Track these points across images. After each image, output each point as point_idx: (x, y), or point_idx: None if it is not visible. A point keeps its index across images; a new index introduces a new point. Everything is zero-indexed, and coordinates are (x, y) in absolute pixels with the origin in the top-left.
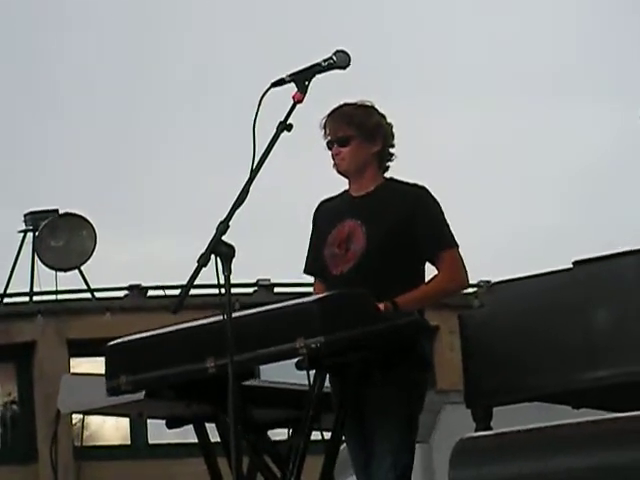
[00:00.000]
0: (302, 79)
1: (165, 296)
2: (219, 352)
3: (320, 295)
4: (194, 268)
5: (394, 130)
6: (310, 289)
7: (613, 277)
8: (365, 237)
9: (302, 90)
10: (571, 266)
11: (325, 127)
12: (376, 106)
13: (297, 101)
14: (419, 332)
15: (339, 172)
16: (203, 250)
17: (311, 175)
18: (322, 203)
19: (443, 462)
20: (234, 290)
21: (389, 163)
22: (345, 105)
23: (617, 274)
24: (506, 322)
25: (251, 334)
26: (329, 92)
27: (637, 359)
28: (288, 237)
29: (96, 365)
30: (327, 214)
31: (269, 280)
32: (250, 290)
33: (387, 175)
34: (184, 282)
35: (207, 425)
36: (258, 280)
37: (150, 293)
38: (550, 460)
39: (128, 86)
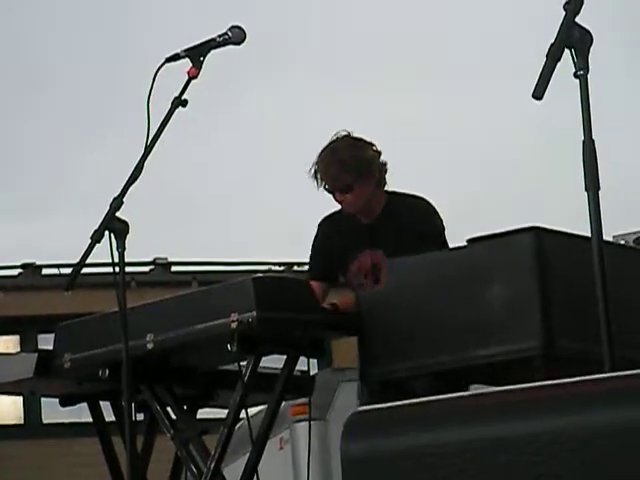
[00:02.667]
0: (197, 54)
1: (60, 275)
2: (159, 329)
3: (259, 275)
4: (88, 244)
5: (379, 148)
6: (207, 267)
7: (507, 255)
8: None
9: (197, 65)
10: (465, 244)
11: (317, 175)
12: (354, 134)
13: (192, 76)
14: (352, 330)
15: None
16: (97, 226)
17: (202, 152)
18: (325, 221)
19: (339, 439)
20: (130, 269)
21: (385, 175)
22: (332, 147)
23: (510, 252)
24: (402, 300)
25: (187, 311)
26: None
27: (527, 336)
28: (185, 216)
29: None
30: (340, 237)
31: (166, 259)
32: (147, 269)
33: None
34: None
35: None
36: (155, 259)
37: (45, 272)
38: (442, 432)
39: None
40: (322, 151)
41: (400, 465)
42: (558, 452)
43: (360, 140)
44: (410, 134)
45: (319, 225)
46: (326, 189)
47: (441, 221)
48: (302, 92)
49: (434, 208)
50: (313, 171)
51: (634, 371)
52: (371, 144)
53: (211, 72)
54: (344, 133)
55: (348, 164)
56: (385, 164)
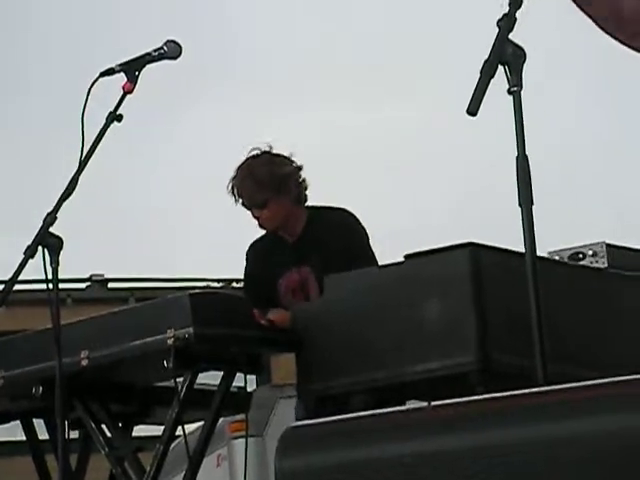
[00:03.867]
0: (132, 69)
1: None
2: (93, 345)
3: (195, 290)
4: (20, 260)
5: (299, 164)
6: (145, 284)
7: (443, 270)
8: (316, 283)
9: (132, 80)
10: (402, 259)
11: (234, 190)
12: (273, 150)
13: (127, 91)
14: (289, 346)
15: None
16: (30, 242)
17: (143, 170)
18: (253, 245)
19: None
20: (67, 285)
21: (306, 192)
22: (248, 163)
23: (447, 268)
24: (338, 315)
25: (123, 327)
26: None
27: (463, 351)
28: (122, 232)
29: None
30: (265, 259)
31: (103, 275)
32: (83, 285)
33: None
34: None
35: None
36: (91, 275)
37: None
38: (376, 447)
39: None
40: (238, 167)
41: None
42: (489, 466)
43: (278, 156)
44: (346, 142)
45: (246, 252)
46: (244, 205)
47: (364, 230)
48: (241, 107)
49: (355, 218)
50: (230, 187)
51: (565, 385)
52: (290, 160)
53: (147, 86)
54: (263, 148)
55: (263, 180)
56: (304, 180)
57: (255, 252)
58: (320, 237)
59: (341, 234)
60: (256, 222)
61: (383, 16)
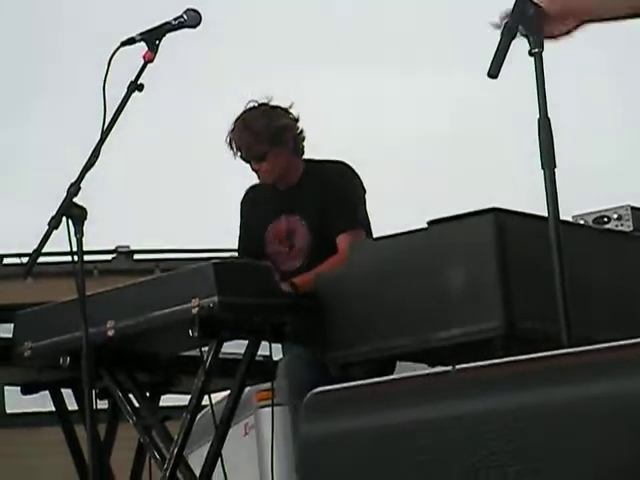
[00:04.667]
0: (152, 38)
1: (21, 264)
2: (119, 315)
3: (219, 260)
4: (45, 231)
5: (294, 110)
6: (170, 255)
7: (466, 237)
8: (307, 232)
9: (153, 49)
10: (426, 226)
11: (232, 143)
12: (271, 100)
13: (148, 60)
14: (313, 314)
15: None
16: (54, 213)
17: (166, 139)
18: (249, 191)
19: None
20: (92, 257)
21: (304, 143)
22: (245, 116)
23: (470, 234)
24: (361, 282)
25: (148, 297)
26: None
27: (488, 317)
28: (147, 203)
29: None
30: (258, 206)
31: (128, 247)
32: (109, 257)
33: (306, 154)
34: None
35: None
36: (117, 247)
37: (5, 261)
38: (400, 411)
39: None
40: (236, 120)
41: (358, 444)
42: (512, 429)
43: (275, 108)
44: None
45: (240, 201)
46: (242, 158)
47: (361, 184)
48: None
49: (353, 171)
50: (228, 140)
51: (589, 347)
52: (287, 111)
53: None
54: (260, 101)
55: (260, 133)
56: (302, 131)
57: (248, 201)
58: (313, 187)
59: (335, 184)
60: (255, 174)
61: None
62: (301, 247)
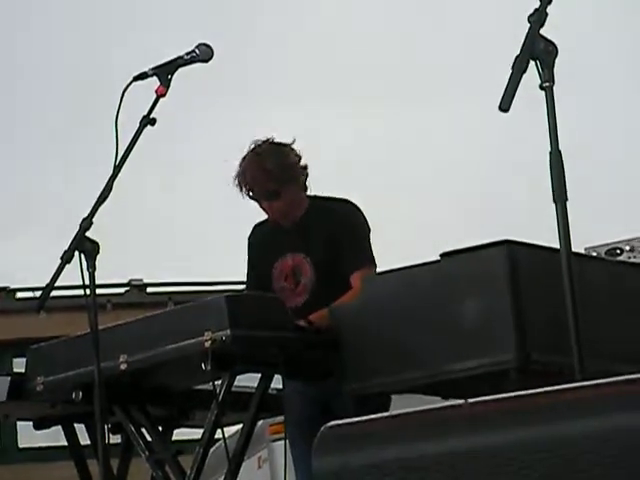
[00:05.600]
0: (165, 73)
1: (34, 298)
2: (131, 349)
3: (231, 293)
4: (57, 265)
5: (297, 147)
6: (183, 288)
7: (480, 268)
8: (312, 269)
9: (165, 84)
10: (438, 258)
11: (242, 184)
12: (273, 138)
13: (160, 95)
14: (327, 348)
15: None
16: (67, 247)
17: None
18: (255, 229)
19: None
20: (105, 291)
21: (307, 178)
22: (255, 155)
23: (483, 266)
24: (375, 315)
25: (160, 331)
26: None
27: (502, 349)
28: (160, 237)
29: None
30: (264, 244)
31: (141, 280)
32: (122, 290)
33: (310, 190)
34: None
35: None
36: (130, 280)
37: (19, 295)
38: (415, 445)
39: None
40: (244, 159)
41: (372, 479)
42: (527, 462)
43: (282, 145)
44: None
45: (248, 237)
46: (250, 197)
47: (365, 222)
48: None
49: (357, 209)
50: (237, 180)
51: (602, 380)
52: (292, 148)
53: (185, 89)
54: (264, 138)
55: (273, 171)
56: (306, 167)
57: (254, 238)
58: (318, 224)
59: (340, 222)
60: (264, 214)
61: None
62: (306, 283)
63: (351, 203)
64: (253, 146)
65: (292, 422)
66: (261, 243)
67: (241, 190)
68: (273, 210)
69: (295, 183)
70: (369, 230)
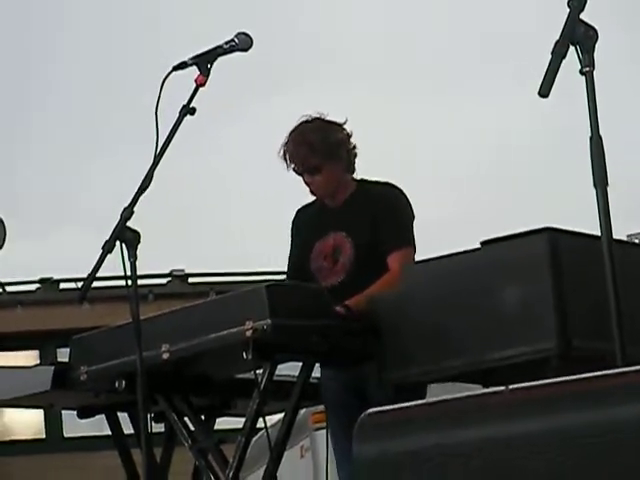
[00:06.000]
0: (204, 62)
1: (77, 288)
2: (173, 339)
3: (272, 282)
4: (99, 255)
5: (348, 127)
6: (224, 278)
7: (520, 256)
8: (352, 248)
9: (205, 73)
10: (479, 246)
11: (286, 156)
12: (324, 116)
13: (200, 84)
14: (367, 334)
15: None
16: (108, 237)
17: (217, 161)
18: (299, 212)
19: None
20: (147, 281)
21: (356, 160)
22: (301, 129)
23: (524, 254)
24: (416, 303)
25: (202, 320)
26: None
27: (543, 337)
28: (202, 227)
29: (5, 358)
30: (307, 225)
31: (183, 270)
32: (164, 281)
33: (358, 174)
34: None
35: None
36: (172, 270)
37: (62, 286)
38: (453, 432)
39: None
40: (291, 132)
41: (411, 466)
42: (569, 448)
43: (330, 122)
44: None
45: (292, 220)
46: (295, 171)
47: (411, 209)
48: (315, 101)
49: (405, 195)
50: (282, 152)
51: None
52: (341, 127)
53: (223, 80)
54: (314, 115)
55: (316, 146)
56: (355, 147)
57: (298, 220)
58: (363, 205)
59: (388, 204)
60: (307, 189)
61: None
62: (344, 262)
63: (396, 187)
64: (301, 120)
65: (328, 410)
66: (305, 224)
67: (285, 163)
68: (314, 185)
69: (338, 161)
70: (412, 215)
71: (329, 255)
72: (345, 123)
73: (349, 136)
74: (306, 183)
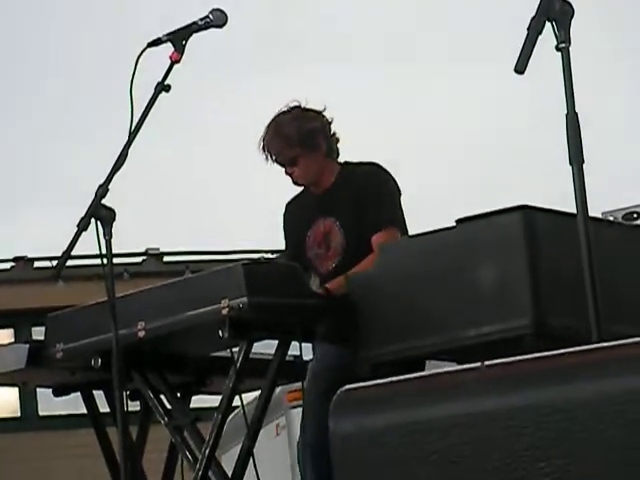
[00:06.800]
0: (179, 39)
1: (52, 267)
2: (149, 317)
3: (249, 261)
4: (74, 233)
5: (330, 118)
6: (200, 257)
7: (496, 234)
8: (341, 232)
9: (179, 50)
10: (454, 224)
11: (265, 149)
12: (303, 104)
13: (174, 61)
14: (343, 314)
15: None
16: (83, 215)
17: (195, 141)
18: (288, 205)
19: None
20: (123, 260)
21: (337, 145)
22: (277, 121)
23: (500, 232)
24: (391, 282)
25: (178, 298)
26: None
27: (518, 315)
28: (177, 205)
29: None
30: (297, 216)
31: (158, 249)
32: (139, 259)
33: (341, 156)
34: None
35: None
36: (147, 249)
37: (37, 264)
38: (430, 407)
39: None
40: (268, 125)
41: (388, 441)
42: (544, 424)
43: (307, 110)
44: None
45: (282, 214)
46: (277, 162)
47: (396, 184)
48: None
49: (387, 172)
50: (261, 145)
51: (619, 341)
52: (320, 114)
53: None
54: (293, 104)
55: (292, 137)
56: (335, 134)
57: (288, 214)
58: (348, 188)
59: (369, 184)
60: (290, 179)
61: None
62: (336, 247)
63: (378, 165)
64: (279, 111)
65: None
66: (294, 217)
67: (265, 156)
68: (295, 175)
69: (316, 150)
70: (396, 191)
71: (321, 242)
72: (324, 110)
73: (328, 123)
74: (287, 174)
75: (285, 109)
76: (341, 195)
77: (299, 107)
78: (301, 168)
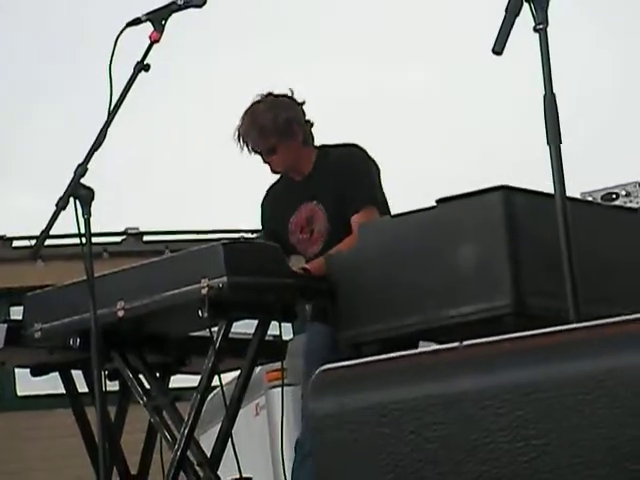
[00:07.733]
0: (158, 18)
1: (30, 246)
2: (128, 296)
3: (228, 240)
4: (53, 212)
5: (301, 101)
6: (180, 236)
7: (476, 214)
8: (324, 215)
9: (159, 29)
10: (434, 204)
11: (240, 140)
12: (276, 91)
13: (154, 41)
14: (323, 294)
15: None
16: (62, 194)
17: (176, 124)
18: (269, 191)
19: None
20: (102, 239)
21: (312, 129)
22: (251, 111)
23: (479, 211)
24: (371, 262)
25: (157, 278)
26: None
27: (498, 295)
28: (156, 185)
29: None
30: (278, 201)
31: (138, 228)
32: (118, 239)
33: (317, 141)
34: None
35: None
36: (126, 229)
37: (15, 244)
38: (408, 387)
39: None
40: (243, 115)
41: (367, 421)
42: (522, 404)
43: (282, 97)
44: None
45: (261, 202)
46: (252, 151)
47: (374, 163)
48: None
49: (366, 152)
50: (236, 136)
51: (597, 322)
52: (294, 101)
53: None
54: (266, 92)
55: (267, 128)
56: (309, 120)
57: (267, 200)
58: (327, 172)
59: (346, 166)
60: (267, 167)
61: None
62: (320, 230)
63: (355, 145)
64: (253, 101)
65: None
66: (274, 203)
67: (240, 145)
68: (273, 164)
69: (292, 137)
70: (374, 170)
71: (304, 226)
72: (294, 94)
73: (301, 108)
74: (265, 162)
75: (258, 98)
76: (320, 179)
77: (271, 94)
78: (279, 157)
